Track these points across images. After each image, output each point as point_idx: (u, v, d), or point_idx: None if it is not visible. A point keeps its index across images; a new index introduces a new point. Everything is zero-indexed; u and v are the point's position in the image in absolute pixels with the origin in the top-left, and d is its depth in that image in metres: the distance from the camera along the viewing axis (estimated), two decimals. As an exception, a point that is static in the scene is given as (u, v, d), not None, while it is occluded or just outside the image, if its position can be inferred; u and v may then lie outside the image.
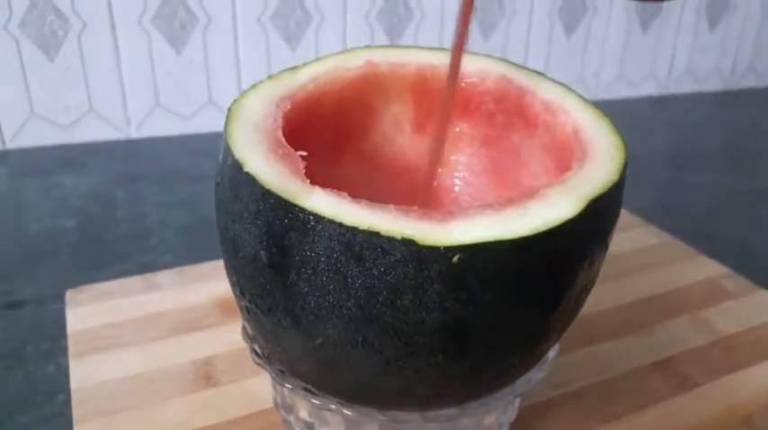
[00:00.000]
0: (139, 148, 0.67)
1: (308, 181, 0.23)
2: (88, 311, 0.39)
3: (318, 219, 0.21)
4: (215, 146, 0.73)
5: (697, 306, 0.43)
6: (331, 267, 0.21)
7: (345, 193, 0.22)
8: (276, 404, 0.31)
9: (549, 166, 0.30)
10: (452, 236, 0.21)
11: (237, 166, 0.23)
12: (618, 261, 0.47)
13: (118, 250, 0.49)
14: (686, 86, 0.93)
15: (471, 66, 0.32)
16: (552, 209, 0.22)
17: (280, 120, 0.26)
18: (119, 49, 0.65)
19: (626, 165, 0.25)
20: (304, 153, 0.24)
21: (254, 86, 0.28)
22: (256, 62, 0.70)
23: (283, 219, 0.22)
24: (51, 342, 0.39)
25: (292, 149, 0.24)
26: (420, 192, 0.32)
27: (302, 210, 0.21)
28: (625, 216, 0.53)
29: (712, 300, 0.44)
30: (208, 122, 0.71)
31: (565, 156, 0.28)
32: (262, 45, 0.70)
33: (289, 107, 0.27)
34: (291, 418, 0.30)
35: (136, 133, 0.68)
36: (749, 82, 0.97)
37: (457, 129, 0.33)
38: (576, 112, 0.28)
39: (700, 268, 0.47)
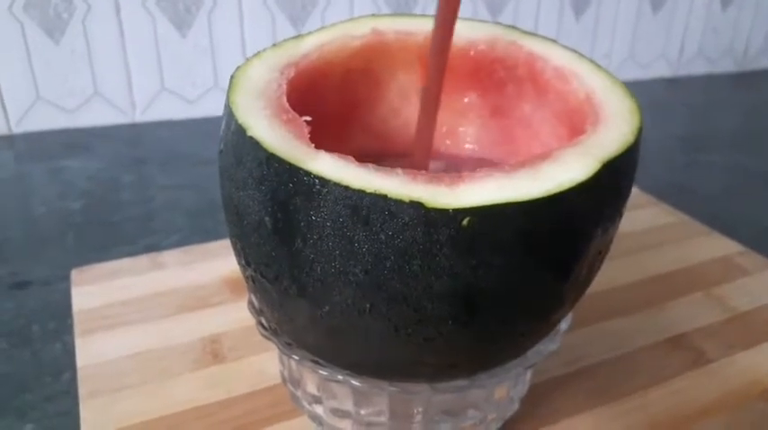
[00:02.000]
0: (145, 132, 0.67)
1: (313, 145, 0.22)
2: (94, 290, 0.39)
3: (324, 182, 0.21)
4: (221, 129, 0.72)
5: (711, 283, 0.42)
6: (337, 232, 0.21)
7: (351, 157, 0.22)
8: (283, 378, 0.30)
9: (563, 135, 0.29)
10: (461, 198, 0.20)
11: (241, 131, 0.23)
12: (631, 238, 0.46)
13: (124, 232, 0.49)
14: (698, 68, 0.92)
15: (480, 33, 0.31)
16: (565, 170, 0.21)
17: (284, 87, 0.26)
18: (123, 32, 0.64)
19: (641, 129, 0.24)
20: (308, 118, 0.24)
21: (257, 54, 0.28)
22: (262, 45, 0.69)
23: (288, 183, 0.21)
24: (57, 321, 0.39)
25: (296, 114, 0.24)
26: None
27: (307, 173, 0.21)
28: (638, 195, 0.53)
29: (726, 277, 0.43)
30: (213, 106, 0.70)
31: (578, 123, 0.27)
32: (268, 27, 0.69)
33: (293, 74, 0.27)
34: (299, 393, 0.29)
35: (141, 117, 0.68)
36: (763, 63, 0.96)
37: (465, 100, 0.33)
38: (588, 78, 0.27)
39: (714, 245, 0.46)
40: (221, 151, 0.25)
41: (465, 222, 0.20)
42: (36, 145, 0.63)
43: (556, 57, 0.29)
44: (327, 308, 0.22)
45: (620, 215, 0.24)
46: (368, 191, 0.20)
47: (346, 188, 0.20)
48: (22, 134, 0.64)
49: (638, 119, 0.25)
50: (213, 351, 0.35)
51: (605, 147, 0.23)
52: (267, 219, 0.22)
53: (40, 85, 0.63)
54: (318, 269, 0.22)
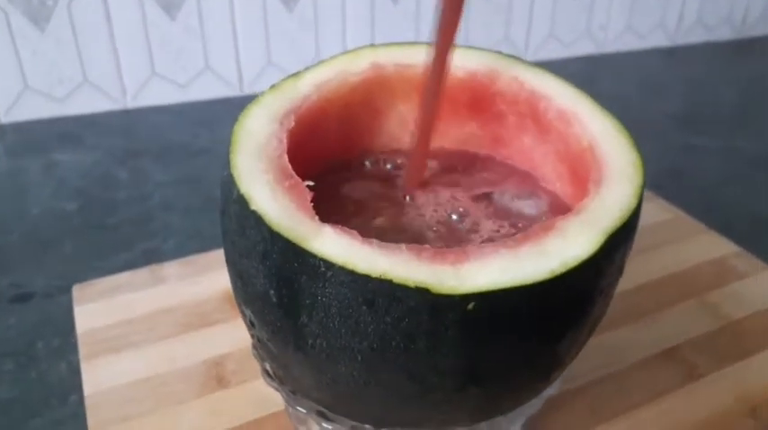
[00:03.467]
0: (137, 119, 0.66)
1: (317, 217, 0.22)
2: (96, 308, 0.39)
3: (329, 265, 0.21)
4: (213, 115, 0.72)
5: (705, 288, 0.43)
6: (343, 312, 0.21)
7: (355, 232, 0.22)
8: (288, 414, 0.31)
9: (564, 174, 0.29)
10: (466, 281, 0.20)
11: (243, 202, 0.22)
12: (626, 241, 0.47)
13: (121, 236, 0.49)
14: (696, 37, 0.90)
15: (481, 64, 0.31)
16: (570, 246, 0.21)
17: (285, 142, 0.25)
18: (110, 17, 0.62)
19: (644, 186, 0.24)
20: (311, 183, 0.24)
21: (256, 101, 0.27)
22: (253, 25, 0.68)
23: (293, 262, 0.21)
24: (61, 337, 0.40)
25: (299, 179, 0.24)
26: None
27: (312, 255, 0.21)
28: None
29: (720, 282, 0.44)
30: (205, 89, 0.69)
31: (580, 168, 0.27)
32: (258, 8, 0.67)
33: (293, 124, 0.26)
34: (303, 429, 0.30)
35: (132, 103, 0.67)
36: (761, 30, 0.95)
37: (466, 130, 0.32)
38: (590, 122, 0.27)
39: (709, 246, 0.47)
40: (223, 213, 0.25)
41: (470, 307, 0.20)
42: (27, 135, 0.62)
43: (559, 96, 0.29)
44: (332, 376, 0.23)
45: (621, 272, 0.25)
46: (373, 275, 0.20)
47: (352, 272, 0.20)
48: (11, 124, 0.63)
49: (641, 175, 0.25)
50: (217, 375, 0.35)
51: (608, 216, 0.23)
52: (272, 292, 0.22)
53: (27, 74, 0.62)
54: (324, 343, 0.22)
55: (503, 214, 0.28)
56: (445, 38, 0.26)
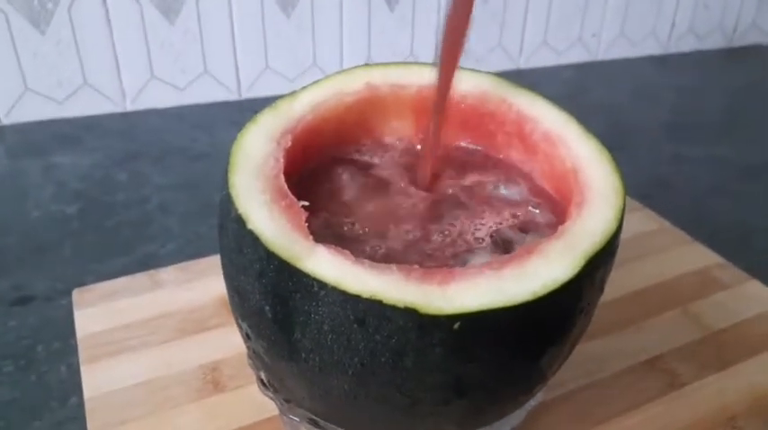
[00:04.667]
0: (136, 122, 0.67)
1: (311, 237, 0.23)
2: (96, 312, 0.40)
3: (322, 285, 0.22)
4: (211, 118, 0.73)
5: (688, 298, 0.44)
6: (335, 329, 0.22)
7: (348, 252, 0.23)
8: (282, 421, 0.32)
9: (548, 189, 0.30)
10: (453, 302, 0.21)
11: (241, 222, 0.24)
12: (613, 251, 0.48)
13: (121, 240, 0.50)
14: (688, 45, 0.91)
15: (470, 85, 0.32)
16: (551, 268, 0.23)
17: (281, 161, 0.26)
18: (110, 20, 0.63)
19: (623, 210, 0.26)
20: (306, 203, 0.25)
21: (253, 119, 0.28)
22: (251, 30, 0.69)
23: (288, 281, 0.22)
24: (61, 341, 0.41)
25: (294, 199, 0.25)
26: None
27: (306, 275, 0.22)
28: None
29: (703, 292, 0.45)
30: (203, 93, 0.70)
31: (563, 188, 0.29)
32: (256, 13, 0.68)
33: (290, 144, 0.27)
34: (297, 434, 0.31)
35: (131, 106, 0.68)
36: (752, 39, 0.96)
37: (457, 144, 0.33)
38: (575, 145, 0.28)
39: (693, 257, 0.48)
40: (220, 227, 0.26)
41: (456, 327, 0.21)
42: (27, 137, 0.63)
43: (545, 119, 0.30)
44: (325, 389, 0.24)
45: (602, 292, 0.26)
46: (364, 296, 0.21)
47: (343, 292, 0.22)
48: (11, 126, 0.64)
49: (621, 199, 0.26)
50: (214, 379, 0.37)
51: (589, 239, 0.24)
52: (267, 308, 0.23)
53: (27, 76, 0.62)
54: (317, 358, 0.23)
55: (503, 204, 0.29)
56: (453, 47, 0.27)
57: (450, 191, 0.30)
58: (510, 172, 0.31)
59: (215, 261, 0.45)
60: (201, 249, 0.48)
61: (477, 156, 0.32)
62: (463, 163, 0.32)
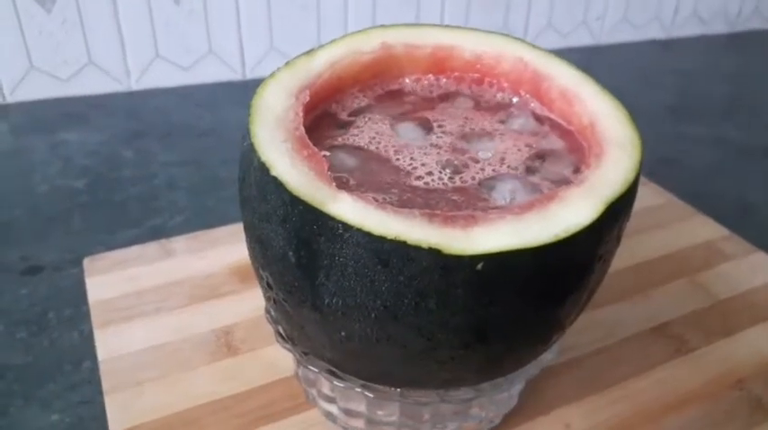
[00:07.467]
0: (141, 101, 0.67)
1: (334, 184, 0.24)
2: (107, 280, 0.41)
3: (347, 227, 0.22)
4: (215, 98, 0.73)
5: (695, 269, 0.45)
6: (359, 271, 0.22)
7: (370, 198, 0.23)
8: (298, 377, 0.32)
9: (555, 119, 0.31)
10: (476, 244, 0.22)
11: (264, 169, 0.24)
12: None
13: (129, 213, 0.50)
14: (691, 29, 0.92)
15: (488, 46, 0.32)
16: (572, 213, 0.23)
17: (301, 115, 0.27)
18: (116, -2, 0.63)
19: (642, 162, 0.26)
20: (327, 153, 0.25)
21: (272, 75, 0.28)
22: (257, 10, 0.69)
23: (312, 224, 0.23)
24: (72, 309, 0.41)
25: (316, 149, 0.25)
26: None
27: (331, 218, 0.22)
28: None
29: (710, 263, 0.45)
30: (208, 72, 0.70)
31: (581, 146, 0.29)
32: (262, -8, 0.68)
33: (308, 99, 0.28)
34: (313, 391, 0.31)
35: (136, 85, 0.68)
36: (755, 24, 0.96)
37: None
38: (592, 101, 0.29)
39: (699, 229, 0.48)
40: (242, 179, 0.26)
41: (479, 267, 0.22)
42: (32, 115, 0.63)
43: (561, 76, 0.30)
44: (346, 334, 0.24)
45: (619, 242, 0.26)
46: (388, 237, 0.22)
47: (368, 233, 0.22)
48: (16, 104, 0.64)
49: (640, 151, 0.26)
50: (227, 342, 0.37)
51: (609, 187, 0.24)
52: (291, 253, 0.24)
53: (32, 54, 0.62)
54: (339, 302, 0.23)
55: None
56: None
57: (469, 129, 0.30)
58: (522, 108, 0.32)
59: (224, 231, 0.45)
60: (209, 222, 0.48)
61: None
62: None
